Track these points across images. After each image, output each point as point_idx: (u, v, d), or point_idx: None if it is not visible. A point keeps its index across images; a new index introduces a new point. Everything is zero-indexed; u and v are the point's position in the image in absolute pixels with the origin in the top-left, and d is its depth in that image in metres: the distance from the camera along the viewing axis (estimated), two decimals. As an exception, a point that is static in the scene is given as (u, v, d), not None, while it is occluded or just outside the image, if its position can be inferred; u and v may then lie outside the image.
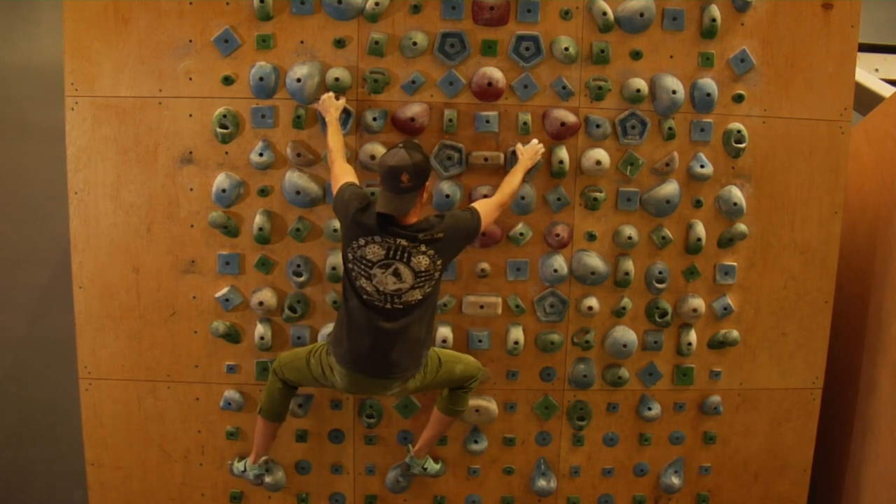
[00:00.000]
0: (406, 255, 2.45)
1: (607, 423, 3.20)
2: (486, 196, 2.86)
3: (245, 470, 2.95)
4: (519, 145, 2.86)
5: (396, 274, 2.45)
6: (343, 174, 2.63)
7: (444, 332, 2.98)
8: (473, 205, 2.66)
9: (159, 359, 3.07)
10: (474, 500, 3.23)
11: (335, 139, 2.72)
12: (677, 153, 2.99)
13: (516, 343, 3.05)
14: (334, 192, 2.62)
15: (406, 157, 2.42)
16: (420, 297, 2.53)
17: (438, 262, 2.51)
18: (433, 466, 3.04)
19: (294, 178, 2.92)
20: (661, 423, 3.20)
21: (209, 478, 3.17)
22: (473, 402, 3.03)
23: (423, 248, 2.46)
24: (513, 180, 2.76)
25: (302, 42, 2.89)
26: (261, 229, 2.94)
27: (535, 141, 2.86)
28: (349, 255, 2.50)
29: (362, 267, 2.46)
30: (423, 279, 2.49)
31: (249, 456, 2.96)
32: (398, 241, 2.45)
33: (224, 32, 2.86)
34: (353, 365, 2.59)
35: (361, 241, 2.47)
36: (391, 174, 2.42)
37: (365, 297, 2.51)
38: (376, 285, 2.47)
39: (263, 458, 2.94)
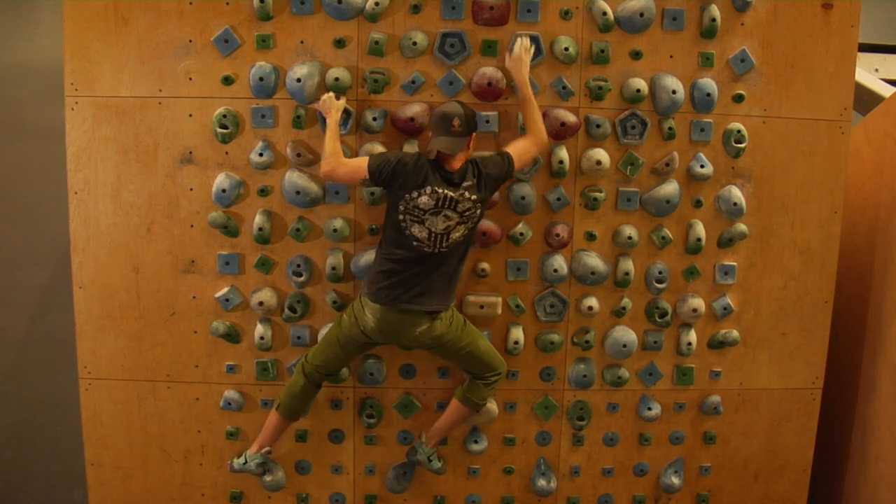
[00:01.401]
0: (453, 203, 2.65)
1: (607, 423, 3.20)
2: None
3: (246, 462, 2.94)
4: (506, 55, 2.82)
5: (445, 217, 2.66)
6: (360, 158, 2.74)
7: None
8: (507, 149, 2.77)
9: (159, 359, 3.07)
10: (474, 500, 3.23)
11: (335, 144, 2.72)
12: (677, 153, 2.99)
13: (516, 343, 3.05)
14: (363, 170, 2.67)
15: (458, 106, 2.69)
16: (462, 236, 2.71)
17: (477, 202, 2.70)
18: (437, 463, 3.03)
19: (294, 178, 2.92)
20: (661, 423, 3.20)
21: (209, 478, 3.17)
22: (473, 401, 3.03)
23: (466, 194, 2.67)
24: (533, 113, 2.76)
25: (302, 42, 2.89)
26: (261, 229, 2.94)
27: (518, 42, 2.79)
28: (401, 207, 2.66)
29: (416, 214, 2.65)
30: (466, 216, 2.69)
31: (251, 448, 2.96)
32: (445, 191, 2.64)
33: (224, 32, 2.86)
34: (385, 296, 2.69)
35: (415, 194, 2.64)
36: (444, 118, 2.65)
37: (415, 243, 2.66)
38: (429, 227, 2.66)
39: (266, 448, 2.95)
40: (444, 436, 3.05)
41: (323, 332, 3.00)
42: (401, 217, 2.66)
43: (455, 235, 2.68)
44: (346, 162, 2.72)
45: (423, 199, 2.63)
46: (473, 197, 2.67)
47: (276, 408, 2.90)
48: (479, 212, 2.71)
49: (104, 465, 3.16)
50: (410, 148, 2.89)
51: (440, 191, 2.63)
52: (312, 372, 2.86)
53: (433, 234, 2.65)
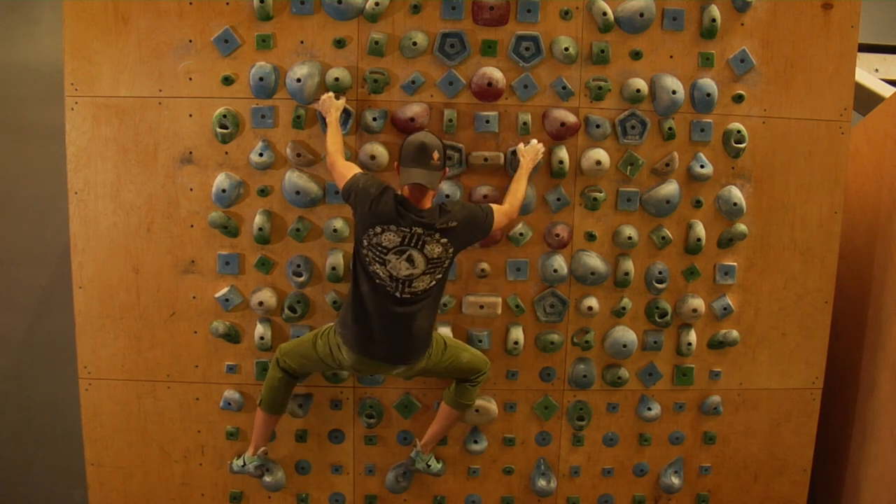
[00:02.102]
0: (421, 242, 2.53)
1: (607, 423, 3.20)
2: (485, 196, 2.89)
3: (245, 464, 2.95)
4: (520, 146, 2.86)
5: (410, 260, 2.54)
6: (350, 167, 2.67)
7: (444, 331, 2.97)
8: (490, 205, 2.71)
9: (159, 359, 3.07)
10: (474, 500, 3.23)
11: (335, 139, 2.73)
12: (677, 153, 2.99)
13: (516, 343, 3.05)
14: (343, 183, 2.62)
15: (435, 138, 2.60)
16: (428, 286, 2.60)
17: (450, 251, 2.60)
18: (436, 465, 3.04)
19: (294, 178, 2.92)
20: (661, 423, 3.20)
21: (209, 478, 3.17)
22: (473, 402, 3.03)
23: (437, 236, 2.54)
24: (518, 188, 2.78)
25: (302, 42, 2.89)
26: (261, 229, 2.94)
27: (534, 141, 2.86)
28: (364, 241, 2.57)
29: (377, 253, 2.54)
30: (433, 266, 2.57)
31: (248, 450, 2.96)
32: (414, 229, 2.52)
33: (224, 32, 2.86)
34: (359, 348, 2.66)
35: (378, 229, 2.53)
36: (423, 150, 2.52)
37: (377, 281, 2.58)
38: (390, 270, 2.55)
39: (262, 448, 2.95)
40: (439, 440, 3.05)
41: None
42: (364, 251, 2.58)
43: (419, 285, 2.57)
44: (338, 164, 2.68)
45: (388, 235, 2.51)
46: (444, 241, 2.55)
47: (259, 404, 2.89)
48: (447, 263, 2.61)
49: (104, 465, 3.16)
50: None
51: (407, 228, 2.51)
52: (287, 368, 2.85)
53: (394, 278, 2.56)
